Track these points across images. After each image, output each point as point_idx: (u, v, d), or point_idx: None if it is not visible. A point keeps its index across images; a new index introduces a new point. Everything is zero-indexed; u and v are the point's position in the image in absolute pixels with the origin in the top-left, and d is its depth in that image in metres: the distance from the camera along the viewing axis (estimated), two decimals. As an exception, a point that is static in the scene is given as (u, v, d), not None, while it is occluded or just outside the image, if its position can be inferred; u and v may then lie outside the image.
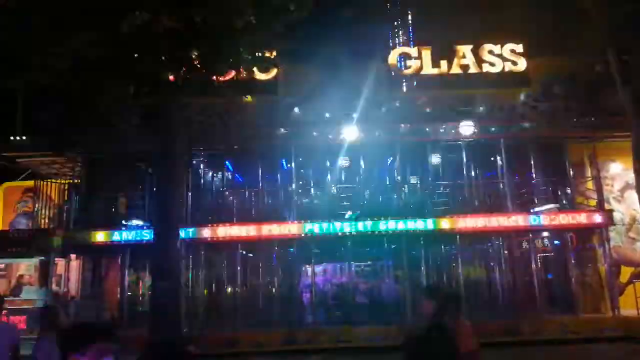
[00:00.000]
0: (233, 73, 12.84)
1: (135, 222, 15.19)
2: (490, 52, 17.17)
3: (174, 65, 11.11)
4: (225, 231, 14.94)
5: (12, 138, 15.73)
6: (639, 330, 13.91)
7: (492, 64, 17.21)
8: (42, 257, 14.94)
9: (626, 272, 16.40)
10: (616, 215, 16.31)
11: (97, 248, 15.27)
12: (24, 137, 15.68)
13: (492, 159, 16.49)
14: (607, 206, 16.03)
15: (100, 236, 14.94)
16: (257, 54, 12.01)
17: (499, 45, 17.38)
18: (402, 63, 17.91)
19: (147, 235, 14.61)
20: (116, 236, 14.94)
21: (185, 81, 11.99)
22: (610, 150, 16.78)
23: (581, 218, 15.41)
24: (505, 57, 17.13)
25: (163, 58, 10.91)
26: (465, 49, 17.27)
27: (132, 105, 16.07)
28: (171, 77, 11.64)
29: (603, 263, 15.78)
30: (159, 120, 12.96)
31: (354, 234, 15.06)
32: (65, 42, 10.23)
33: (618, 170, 17.12)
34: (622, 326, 14.32)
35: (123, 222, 15.26)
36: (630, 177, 14.96)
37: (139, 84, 12.57)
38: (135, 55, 10.89)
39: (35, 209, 17.44)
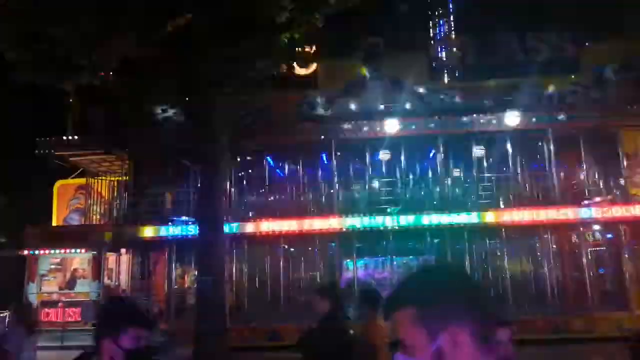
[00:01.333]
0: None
1: (181, 217, 15.58)
2: (538, 37, 16.49)
3: (215, 62, 11.27)
4: (268, 226, 15.10)
5: (64, 138, 16.41)
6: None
7: (539, 50, 16.51)
8: (95, 252, 15.55)
9: (685, 267, 15.52)
10: (674, 207, 15.43)
11: (146, 243, 15.75)
12: (75, 137, 16.32)
13: (540, 150, 15.88)
14: (664, 198, 15.19)
15: (148, 231, 15.41)
16: (297, 48, 12.04)
17: (546, 31, 16.68)
18: (444, 53, 17.52)
19: (192, 230, 14.94)
20: (163, 231, 15.37)
21: (226, 78, 12.17)
22: (667, 138, 15.88)
23: (636, 210, 14.70)
24: (553, 42, 16.40)
25: (205, 56, 11.09)
26: (510, 36, 16.65)
27: (176, 104, 16.49)
28: (212, 75, 11.83)
29: (660, 257, 15.00)
30: (201, 117, 13.23)
31: (396, 228, 14.90)
32: (112, 44, 10.57)
33: (676, 159, 16.18)
34: (681, 324, 13.59)
35: (169, 217, 15.68)
36: (690, 166, 14.12)
37: (182, 83, 12.83)
38: (179, 54, 11.12)
39: (87, 206, 18.19)
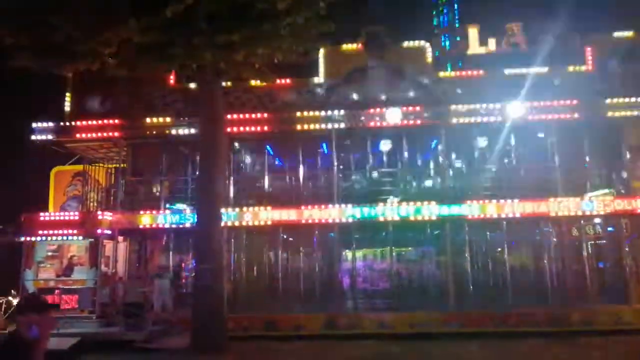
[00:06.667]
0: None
1: (178, 205, 15.42)
2: (542, 29, 16.21)
3: (216, 49, 11.05)
4: (267, 215, 14.96)
5: (61, 124, 16.17)
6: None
7: (543, 42, 16.19)
8: (92, 239, 15.39)
9: (685, 262, 15.46)
10: (676, 201, 15.33)
11: (143, 230, 15.61)
12: (72, 123, 16.08)
13: (543, 141, 15.71)
14: (666, 191, 15.08)
15: (145, 219, 15.26)
16: (298, 36, 11.82)
17: (550, 22, 16.41)
18: (448, 42, 17.25)
19: (190, 218, 14.82)
20: (160, 219, 15.23)
21: (227, 65, 11.95)
22: (671, 131, 15.71)
23: (637, 204, 14.59)
24: (557, 33, 16.11)
25: (206, 43, 10.86)
26: (514, 27, 16.36)
27: (176, 90, 16.27)
28: (213, 61, 11.61)
29: (660, 251, 14.92)
30: (201, 104, 13.03)
31: (396, 219, 14.77)
32: (113, 29, 10.36)
33: (679, 153, 16.04)
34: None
35: (167, 205, 15.52)
36: (694, 160, 13.97)
37: (181, 69, 12.62)
38: (179, 39, 10.89)
39: (84, 193, 18.02)
